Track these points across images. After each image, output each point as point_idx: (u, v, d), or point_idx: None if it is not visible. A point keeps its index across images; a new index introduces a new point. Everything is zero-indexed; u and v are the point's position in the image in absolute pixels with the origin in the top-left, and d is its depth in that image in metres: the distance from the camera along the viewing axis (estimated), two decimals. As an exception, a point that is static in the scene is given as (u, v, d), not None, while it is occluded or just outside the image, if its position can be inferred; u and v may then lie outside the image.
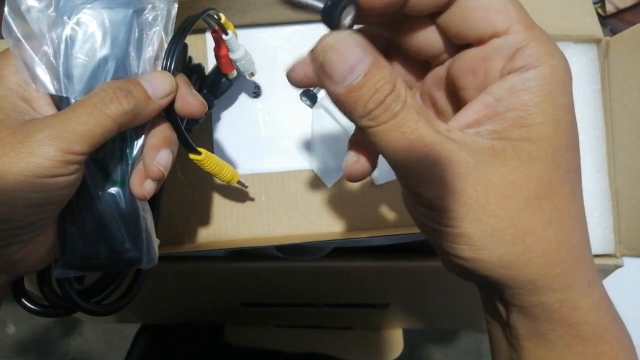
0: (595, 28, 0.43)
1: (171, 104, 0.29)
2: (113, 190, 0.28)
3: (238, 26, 0.41)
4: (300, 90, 0.41)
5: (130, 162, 0.28)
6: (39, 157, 0.23)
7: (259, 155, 0.44)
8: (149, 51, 0.28)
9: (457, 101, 0.24)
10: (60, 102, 0.27)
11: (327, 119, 0.44)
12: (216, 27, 0.35)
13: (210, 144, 0.44)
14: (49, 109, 0.27)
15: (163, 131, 0.29)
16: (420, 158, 0.20)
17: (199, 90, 0.39)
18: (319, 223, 0.44)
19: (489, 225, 0.20)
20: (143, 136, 0.29)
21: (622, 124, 0.43)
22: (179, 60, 0.29)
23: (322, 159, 0.44)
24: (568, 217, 0.21)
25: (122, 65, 0.27)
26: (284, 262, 0.47)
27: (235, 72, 0.39)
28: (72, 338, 1.18)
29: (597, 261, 0.43)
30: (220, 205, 0.44)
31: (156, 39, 0.28)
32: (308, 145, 0.44)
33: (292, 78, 0.24)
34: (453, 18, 0.22)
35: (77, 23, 0.26)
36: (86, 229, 0.28)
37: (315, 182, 0.44)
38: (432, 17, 0.23)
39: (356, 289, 0.59)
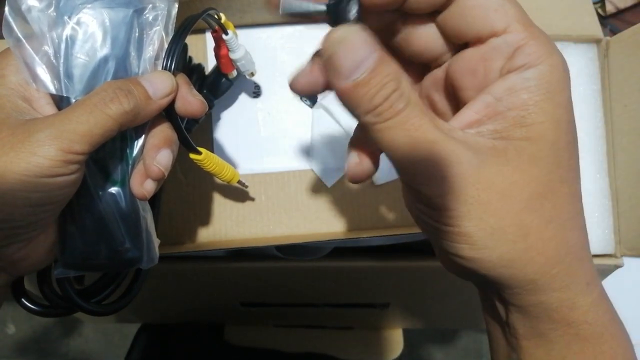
0: (595, 28, 0.44)
1: (171, 103, 0.29)
2: (113, 190, 0.28)
3: (238, 26, 0.41)
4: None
5: (130, 161, 0.28)
6: (40, 156, 0.23)
7: (259, 155, 0.44)
8: (150, 51, 0.28)
9: (456, 102, 0.24)
10: (60, 102, 0.27)
11: (327, 119, 0.44)
12: (216, 27, 0.35)
13: (210, 144, 0.44)
14: (49, 108, 0.27)
15: (163, 131, 0.29)
16: (423, 155, 0.20)
17: (199, 90, 0.39)
18: (319, 223, 0.44)
19: (490, 224, 0.20)
20: (143, 136, 0.29)
21: (622, 124, 0.43)
22: (179, 60, 0.29)
23: (322, 159, 0.44)
24: (567, 217, 0.21)
25: (123, 65, 0.27)
26: (284, 262, 0.47)
27: (235, 72, 0.39)
28: (72, 338, 1.18)
29: (597, 261, 0.43)
30: (220, 205, 0.44)
31: (156, 38, 0.28)
32: (308, 145, 0.44)
33: (295, 87, 0.24)
34: (452, 17, 0.22)
35: (78, 23, 0.26)
36: (86, 228, 0.28)
37: (315, 182, 0.44)
38: (431, 15, 0.23)
39: (356, 289, 0.59)
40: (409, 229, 0.43)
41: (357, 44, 0.20)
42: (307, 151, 0.44)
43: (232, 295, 0.62)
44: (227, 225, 0.44)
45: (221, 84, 0.40)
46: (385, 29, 0.24)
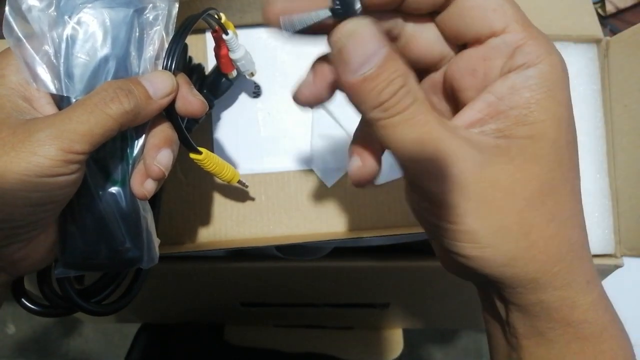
0: (595, 28, 0.44)
1: (172, 103, 0.29)
2: (114, 189, 0.28)
3: (238, 26, 0.41)
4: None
5: (130, 161, 0.28)
6: (40, 156, 0.23)
7: (259, 155, 0.44)
8: (150, 51, 0.28)
9: (455, 104, 0.24)
10: (61, 102, 0.27)
11: (327, 119, 0.44)
12: (216, 27, 0.35)
13: (210, 144, 0.44)
14: (49, 108, 0.27)
15: (164, 131, 0.29)
16: (429, 152, 0.20)
17: (199, 90, 0.39)
18: (319, 223, 0.44)
19: (494, 221, 0.20)
20: (144, 136, 0.29)
21: (622, 124, 0.43)
22: (179, 59, 0.29)
23: (322, 159, 0.44)
24: (568, 215, 0.22)
25: (123, 65, 0.27)
26: (284, 262, 0.47)
27: (235, 72, 0.39)
28: (72, 338, 1.18)
29: (597, 261, 0.43)
30: (220, 205, 0.44)
31: (157, 38, 0.28)
32: (308, 145, 0.44)
33: (299, 100, 0.24)
34: (451, 18, 0.22)
35: (78, 22, 0.26)
36: (87, 228, 0.28)
37: (315, 182, 0.44)
38: (430, 16, 0.23)
39: (356, 289, 0.59)
40: (409, 229, 0.43)
41: (367, 38, 0.20)
42: (307, 151, 0.44)
43: (232, 295, 0.62)
44: (227, 225, 0.44)
45: (221, 84, 0.40)
46: (386, 35, 0.24)
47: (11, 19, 0.26)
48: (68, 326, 1.18)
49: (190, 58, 0.40)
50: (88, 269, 0.30)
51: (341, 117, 0.44)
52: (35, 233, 0.27)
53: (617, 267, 0.43)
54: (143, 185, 0.28)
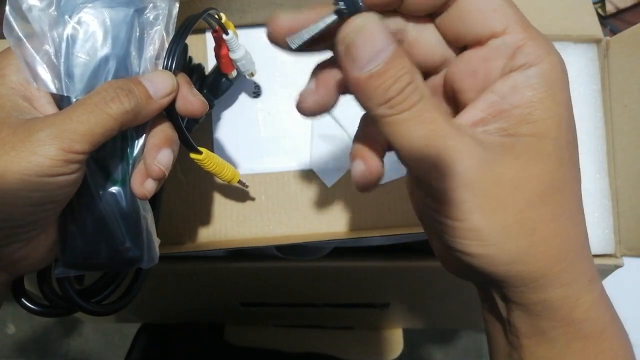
0: (595, 28, 0.44)
1: (172, 103, 0.29)
2: (114, 189, 0.28)
3: (238, 26, 0.41)
4: (301, 90, 0.41)
5: (131, 161, 0.28)
6: (40, 156, 0.23)
7: (259, 155, 0.44)
8: (150, 50, 0.28)
9: (456, 106, 0.24)
10: (61, 101, 0.27)
11: (327, 119, 0.44)
12: (217, 27, 0.35)
13: (210, 144, 0.44)
14: (50, 108, 0.27)
15: (164, 130, 0.29)
16: (436, 149, 0.20)
17: (199, 90, 0.39)
18: (319, 223, 0.44)
19: (500, 219, 0.21)
20: (144, 135, 0.29)
21: (622, 124, 0.43)
22: (180, 59, 0.29)
23: (322, 159, 0.44)
24: (570, 213, 0.22)
25: (123, 65, 0.27)
26: (284, 262, 0.47)
27: (235, 72, 0.39)
28: (72, 338, 1.18)
29: (597, 261, 0.43)
30: (220, 205, 0.44)
31: (157, 38, 0.28)
32: (308, 145, 0.44)
33: (303, 109, 0.24)
34: (451, 20, 0.22)
35: (78, 22, 0.26)
36: (87, 228, 0.28)
37: (315, 182, 0.44)
38: (430, 17, 0.23)
39: (356, 289, 0.59)
40: (409, 229, 0.43)
41: (375, 34, 0.20)
42: (307, 151, 0.44)
43: (232, 295, 0.62)
44: (227, 225, 0.44)
45: (221, 84, 0.40)
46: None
47: (11, 19, 0.26)
48: (68, 326, 1.18)
49: (191, 58, 0.40)
50: (88, 269, 0.30)
51: (341, 117, 0.44)
52: (35, 233, 0.27)
53: (617, 267, 0.43)
54: (143, 185, 0.28)
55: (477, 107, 0.22)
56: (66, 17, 0.26)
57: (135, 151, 0.28)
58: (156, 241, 0.31)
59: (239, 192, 0.44)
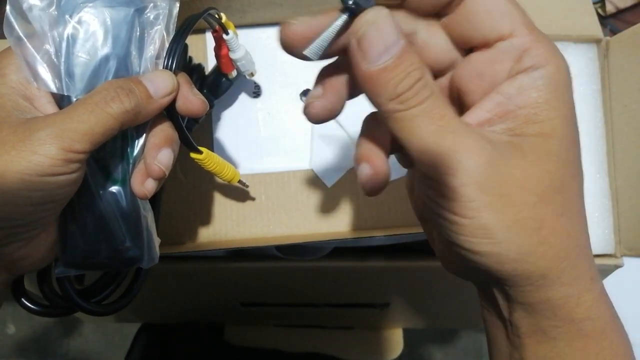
0: (595, 28, 0.44)
1: (172, 102, 0.29)
2: (114, 189, 0.28)
3: (238, 26, 0.41)
4: (301, 90, 0.41)
5: (131, 160, 0.28)
6: (41, 155, 0.23)
7: (259, 155, 0.44)
8: (151, 50, 0.28)
9: (461, 108, 0.24)
10: (61, 101, 0.27)
11: (328, 119, 0.44)
12: (217, 27, 0.35)
13: (211, 144, 0.44)
14: (50, 107, 0.27)
15: (164, 130, 0.29)
16: (446, 145, 0.20)
17: (199, 90, 0.39)
18: (319, 223, 0.44)
19: (509, 216, 0.21)
20: (144, 135, 0.29)
21: (622, 124, 0.43)
22: (180, 59, 0.29)
23: (322, 159, 0.44)
24: (573, 212, 0.22)
25: (124, 64, 0.27)
26: (284, 262, 0.47)
27: (235, 72, 0.39)
28: (72, 338, 1.18)
29: (597, 261, 0.43)
30: (220, 205, 0.44)
31: (157, 37, 0.28)
32: (308, 145, 0.44)
33: (311, 115, 0.24)
34: (459, 21, 0.22)
35: (79, 22, 0.26)
36: (87, 227, 0.28)
37: (315, 182, 0.44)
38: (437, 17, 0.23)
39: (356, 289, 0.59)
40: (409, 229, 0.43)
41: (386, 28, 0.20)
42: (307, 151, 0.44)
43: (232, 295, 0.62)
44: (227, 225, 0.44)
45: (221, 84, 0.40)
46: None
47: (12, 18, 0.26)
48: (68, 326, 1.18)
49: (191, 58, 0.40)
50: (88, 268, 0.30)
51: (341, 118, 0.43)
52: (35, 232, 0.27)
53: (617, 267, 0.43)
54: (143, 185, 0.28)
55: (483, 108, 0.22)
56: (67, 16, 0.26)
57: (136, 151, 0.28)
58: (156, 241, 0.31)
59: (239, 192, 0.44)
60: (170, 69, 0.28)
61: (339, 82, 0.24)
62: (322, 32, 0.21)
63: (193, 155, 0.34)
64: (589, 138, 0.44)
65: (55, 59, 0.26)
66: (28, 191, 0.24)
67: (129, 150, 0.28)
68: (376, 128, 0.25)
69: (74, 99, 0.26)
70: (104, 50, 0.27)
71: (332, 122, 0.43)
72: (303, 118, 0.46)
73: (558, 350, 0.22)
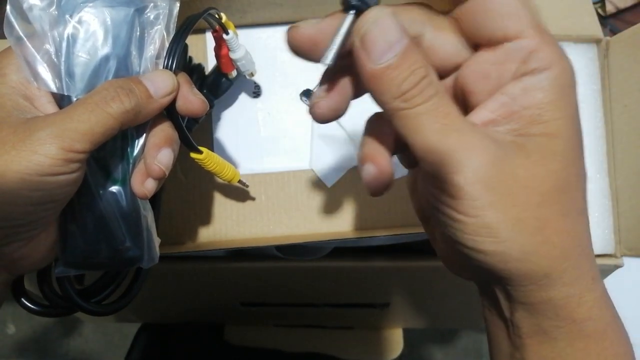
0: (595, 28, 0.44)
1: (173, 102, 0.29)
2: (114, 188, 0.28)
3: (238, 26, 0.41)
4: (301, 90, 0.41)
5: (131, 160, 0.28)
6: (41, 155, 0.23)
7: (259, 155, 0.44)
8: (151, 50, 0.28)
9: (465, 108, 0.24)
10: (61, 101, 0.27)
11: (328, 119, 0.44)
12: (217, 27, 0.35)
13: (211, 144, 0.44)
14: (50, 107, 0.27)
15: (164, 130, 0.29)
16: (451, 143, 0.20)
17: (199, 90, 0.39)
18: (319, 223, 0.44)
19: (513, 215, 0.21)
20: (144, 135, 0.29)
21: (622, 124, 0.43)
22: (180, 59, 0.29)
23: (322, 159, 0.44)
24: (577, 212, 0.22)
25: (124, 64, 0.27)
26: (284, 262, 0.47)
27: (235, 72, 0.39)
28: (72, 338, 1.18)
29: (597, 261, 0.43)
30: (220, 205, 0.44)
31: (158, 37, 0.28)
32: (308, 145, 0.44)
33: (317, 115, 0.24)
34: (467, 17, 0.22)
35: (79, 21, 0.26)
36: (87, 227, 0.28)
37: (315, 182, 0.44)
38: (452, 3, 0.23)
39: (356, 289, 0.59)
40: (409, 229, 0.43)
41: (389, 26, 0.20)
42: (307, 151, 0.44)
43: (232, 295, 0.62)
44: (227, 225, 0.44)
45: (221, 84, 0.40)
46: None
47: (12, 18, 0.26)
48: (68, 326, 1.18)
49: (191, 58, 0.40)
50: (88, 268, 0.30)
51: (341, 118, 0.44)
52: (35, 232, 0.27)
53: (617, 267, 0.43)
54: (143, 185, 0.28)
55: (487, 108, 0.22)
56: (67, 16, 0.26)
57: (136, 150, 0.28)
58: (156, 241, 0.31)
59: (239, 192, 0.44)
60: (171, 69, 0.28)
61: (344, 81, 0.24)
62: (334, 36, 0.21)
63: (193, 155, 0.34)
64: (589, 138, 0.44)
65: (55, 59, 0.26)
66: (28, 191, 0.24)
67: (129, 150, 0.28)
68: (380, 128, 0.25)
69: (74, 99, 0.26)
70: (104, 50, 0.27)
71: (332, 122, 0.44)
72: (303, 118, 0.47)
73: (559, 350, 0.22)
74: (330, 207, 0.44)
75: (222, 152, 0.44)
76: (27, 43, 0.26)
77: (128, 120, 0.26)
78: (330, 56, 0.21)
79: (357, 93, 0.25)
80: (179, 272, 0.51)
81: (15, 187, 0.23)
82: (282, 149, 0.44)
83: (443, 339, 1.16)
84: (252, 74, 0.40)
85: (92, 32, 0.27)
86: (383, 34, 0.20)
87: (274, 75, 0.45)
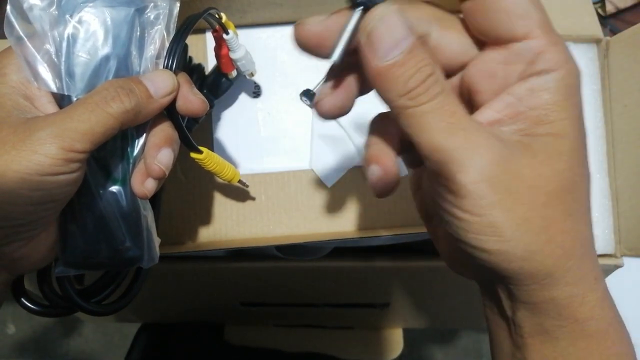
0: (595, 28, 0.44)
1: (173, 102, 0.29)
2: (114, 188, 0.28)
3: (238, 26, 0.41)
4: (301, 90, 0.41)
5: (131, 160, 0.28)
6: (41, 155, 0.23)
7: (259, 155, 0.44)
8: (151, 50, 0.28)
9: (471, 108, 0.24)
10: (62, 101, 0.27)
11: (328, 119, 0.44)
12: (217, 27, 0.35)
13: (211, 144, 0.44)
14: (50, 107, 0.27)
15: (164, 130, 0.29)
16: (457, 142, 0.20)
17: (199, 90, 0.39)
18: (319, 223, 0.44)
19: (518, 214, 0.21)
20: (144, 135, 0.29)
21: (622, 124, 0.43)
22: (180, 59, 0.29)
23: (322, 159, 0.44)
24: (581, 212, 0.22)
25: (124, 64, 0.27)
26: (284, 262, 0.47)
27: (235, 72, 0.39)
28: (72, 338, 1.18)
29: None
30: (220, 205, 0.44)
31: (158, 37, 0.28)
32: (308, 145, 0.44)
33: (322, 112, 0.24)
34: (475, 15, 0.22)
35: (79, 21, 0.26)
36: (87, 227, 0.28)
37: (315, 182, 0.44)
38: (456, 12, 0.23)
39: (356, 289, 0.59)
40: (409, 229, 0.43)
41: (396, 23, 0.20)
42: (307, 151, 0.44)
43: (232, 295, 0.62)
44: (227, 225, 0.44)
45: (221, 84, 0.40)
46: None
47: (12, 18, 0.26)
48: (68, 326, 1.18)
49: (191, 58, 0.40)
50: (88, 268, 0.30)
51: (341, 118, 0.43)
52: (36, 232, 0.27)
53: (617, 267, 0.43)
54: (144, 185, 0.28)
55: (493, 108, 0.22)
56: (67, 16, 0.26)
57: (136, 150, 0.28)
58: (156, 241, 0.31)
59: (239, 192, 0.44)
60: (171, 69, 0.28)
61: (350, 78, 0.24)
62: (340, 33, 0.21)
63: (193, 155, 0.34)
64: (589, 138, 0.44)
65: (55, 59, 0.26)
66: (28, 190, 0.24)
67: (129, 149, 0.28)
68: (384, 128, 0.25)
69: (74, 99, 0.26)
70: (105, 50, 0.27)
71: (332, 122, 0.44)
72: (303, 118, 0.47)
73: (561, 350, 0.22)
74: (330, 207, 0.44)
75: (222, 152, 0.44)
76: (28, 43, 0.26)
77: (128, 120, 0.26)
78: (336, 53, 0.21)
79: (363, 90, 0.25)
80: (179, 272, 0.51)
81: (15, 186, 0.23)
82: (282, 149, 0.44)
83: (443, 339, 1.17)
84: (252, 74, 0.40)
85: (92, 32, 0.27)
86: (389, 31, 0.20)
87: (274, 75, 0.45)
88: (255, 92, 0.45)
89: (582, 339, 0.22)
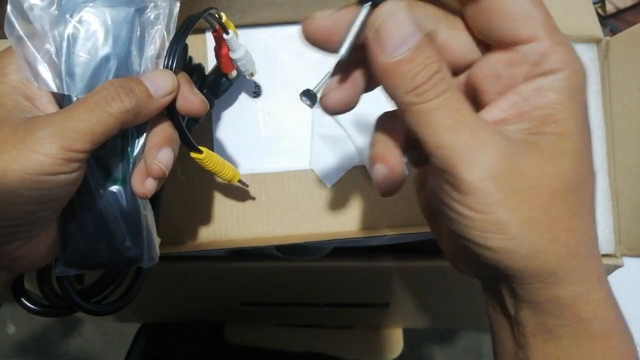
0: (595, 28, 0.44)
1: (173, 102, 0.29)
2: (114, 188, 0.28)
3: (238, 26, 0.41)
4: (301, 90, 0.41)
5: (131, 160, 0.28)
6: (41, 154, 0.23)
7: (259, 155, 0.44)
8: (151, 50, 0.28)
9: (477, 107, 0.24)
10: (62, 100, 0.27)
11: (327, 119, 0.44)
12: (217, 27, 0.35)
13: (211, 144, 0.44)
14: (51, 106, 0.27)
15: (164, 130, 0.29)
16: (464, 139, 0.20)
17: (199, 90, 0.39)
18: (319, 223, 0.44)
19: (523, 213, 0.21)
20: (144, 134, 0.29)
21: (622, 124, 0.43)
22: (180, 59, 0.29)
23: (322, 159, 0.44)
24: (587, 211, 0.22)
25: (124, 64, 0.27)
26: (284, 262, 0.48)
27: (235, 72, 0.39)
28: (72, 338, 1.18)
29: (597, 261, 0.43)
30: (220, 205, 0.44)
31: (158, 37, 0.28)
32: (308, 145, 0.44)
33: (327, 107, 0.24)
34: (480, 16, 0.22)
35: (80, 21, 0.26)
36: (87, 226, 0.28)
37: (315, 182, 0.44)
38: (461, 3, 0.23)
39: (356, 289, 0.59)
40: (409, 229, 0.43)
41: (404, 20, 0.20)
42: (307, 151, 0.44)
43: (232, 295, 0.62)
44: (227, 225, 0.44)
45: (221, 84, 0.40)
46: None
47: (13, 18, 0.26)
48: (68, 326, 1.18)
49: (191, 58, 0.40)
50: (88, 268, 0.30)
51: (341, 117, 0.44)
52: (36, 231, 0.27)
53: (617, 267, 0.43)
54: (144, 184, 0.28)
55: (498, 107, 0.22)
56: (67, 16, 0.26)
57: (136, 150, 0.28)
58: (156, 240, 0.31)
59: (239, 192, 0.44)
60: (171, 69, 0.28)
61: (356, 74, 0.24)
62: (348, 28, 0.21)
63: (193, 154, 0.34)
64: (589, 138, 0.44)
65: (55, 59, 0.26)
66: (28, 190, 0.24)
67: (129, 149, 0.28)
68: (390, 127, 0.25)
69: (75, 99, 0.26)
70: (105, 50, 0.27)
71: (332, 122, 0.44)
72: (303, 118, 0.47)
73: (564, 349, 0.22)
74: (330, 207, 0.44)
75: (222, 152, 0.44)
76: (28, 43, 0.26)
77: (128, 119, 0.26)
78: (344, 47, 0.21)
79: (369, 86, 0.25)
80: (179, 272, 0.51)
81: (15, 186, 0.23)
82: (282, 149, 0.44)
83: (443, 339, 1.16)
84: (252, 74, 0.40)
85: (92, 32, 0.27)
86: (397, 28, 0.20)
87: (274, 75, 0.45)
88: (255, 92, 0.45)
89: (585, 338, 0.22)
